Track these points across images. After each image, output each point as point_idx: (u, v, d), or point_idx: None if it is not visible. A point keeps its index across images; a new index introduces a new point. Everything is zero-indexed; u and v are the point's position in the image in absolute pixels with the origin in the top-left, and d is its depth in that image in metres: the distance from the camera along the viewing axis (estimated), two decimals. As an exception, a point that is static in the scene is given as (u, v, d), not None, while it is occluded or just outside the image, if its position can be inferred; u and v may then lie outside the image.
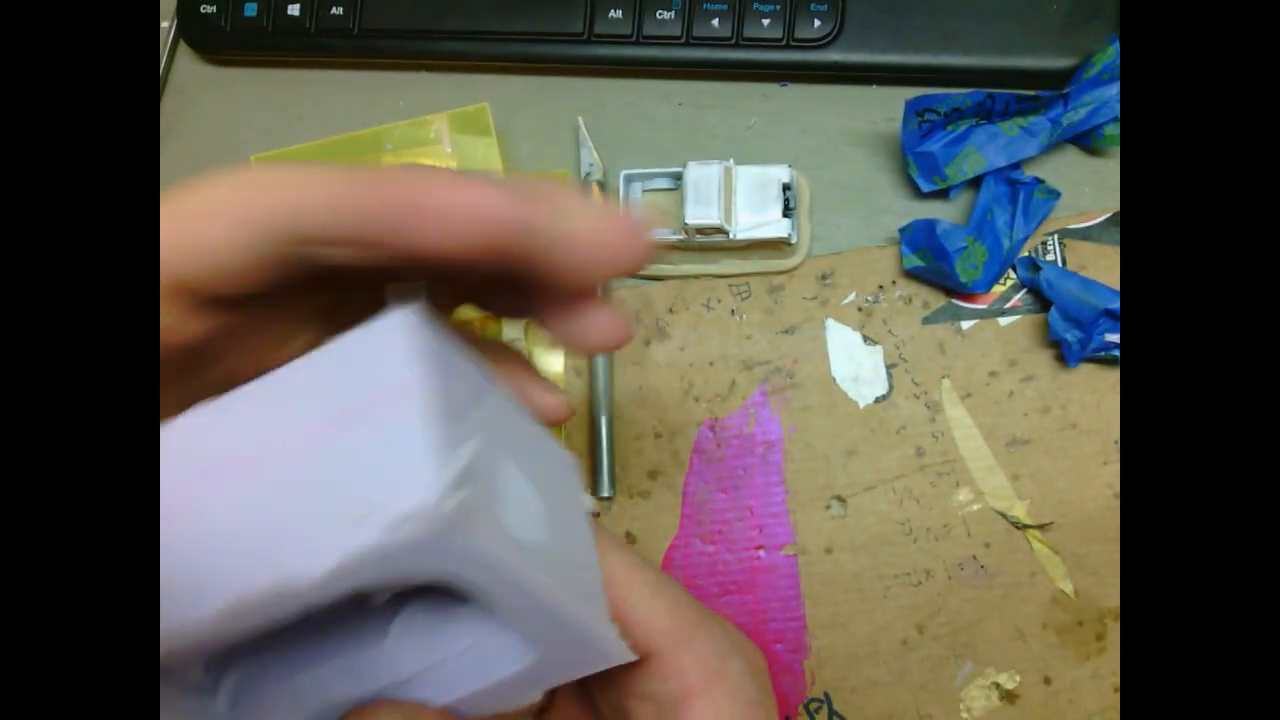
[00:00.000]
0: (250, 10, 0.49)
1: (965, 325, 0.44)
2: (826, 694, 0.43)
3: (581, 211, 0.20)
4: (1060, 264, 0.44)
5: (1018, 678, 0.42)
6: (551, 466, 0.23)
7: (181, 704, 0.20)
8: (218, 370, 0.22)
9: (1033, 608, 0.42)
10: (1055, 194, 0.43)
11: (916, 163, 0.43)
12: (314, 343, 0.20)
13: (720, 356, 0.45)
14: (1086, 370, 0.43)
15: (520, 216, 0.19)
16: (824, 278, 0.45)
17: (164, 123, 0.51)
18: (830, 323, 0.45)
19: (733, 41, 0.46)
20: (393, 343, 0.19)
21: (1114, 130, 0.43)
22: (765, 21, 0.45)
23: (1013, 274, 0.44)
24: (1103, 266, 0.44)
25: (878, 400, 0.44)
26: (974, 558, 0.43)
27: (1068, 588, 0.42)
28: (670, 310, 0.46)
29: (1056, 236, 0.44)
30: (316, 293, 0.22)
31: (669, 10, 0.46)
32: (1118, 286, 0.42)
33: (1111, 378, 0.43)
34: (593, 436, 0.45)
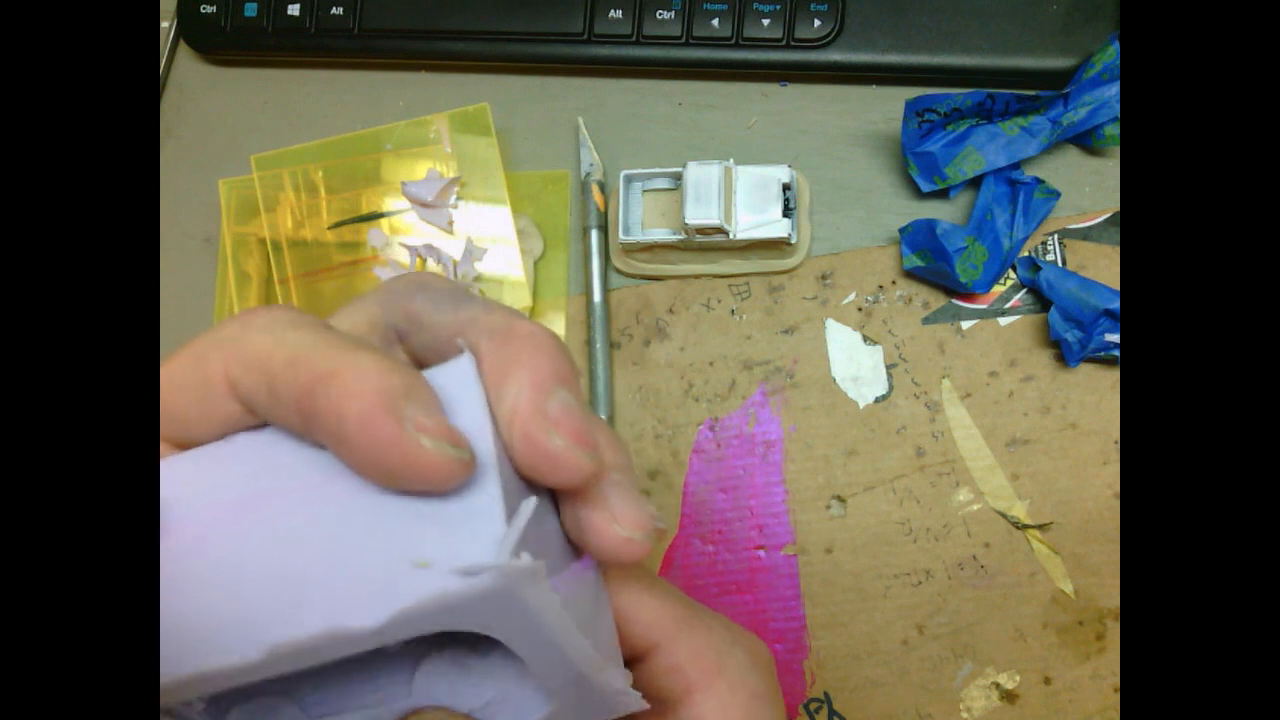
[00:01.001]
0: (250, 10, 0.49)
1: (965, 325, 0.44)
2: (826, 694, 0.43)
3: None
4: (1060, 264, 0.44)
5: (1018, 678, 0.42)
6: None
7: None
8: None
9: (1033, 608, 0.42)
10: (1055, 194, 0.43)
11: (916, 163, 0.43)
12: None
13: (720, 356, 0.45)
14: (1086, 370, 0.43)
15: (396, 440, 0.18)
16: (824, 278, 0.45)
17: (164, 123, 0.51)
18: (830, 323, 0.45)
19: (733, 41, 0.46)
20: (458, 391, 0.19)
21: (1114, 130, 0.43)
22: (765, 21, 0.45)
23: (1013, 274, 0.44)
24: (1103, 266, 0.44)
25: (878, 400, 0.44)
26: (974, 558, 0.43)
27: (1068, 588, 0.42)
28: (670, 310, 0.46)
29: (1056, 236, 0.44)
30: None
31: (669, 10, 0.46)
32: (1118, 286, 0.42)
33: (1111, 378, 0.43)
34: (593, 436, 0.45)
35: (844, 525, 0.44)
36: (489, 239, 0.47)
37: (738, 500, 0.44)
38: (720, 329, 0.45)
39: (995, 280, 0.44)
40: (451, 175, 0.47)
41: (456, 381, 0.20)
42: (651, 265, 0.46)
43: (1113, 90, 0.42)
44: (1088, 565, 0.42)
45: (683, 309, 0.46)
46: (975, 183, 0.44)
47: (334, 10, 0.48)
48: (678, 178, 0.44)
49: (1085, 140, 0.44)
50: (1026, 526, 0.43)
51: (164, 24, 0.51)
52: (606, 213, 0.46)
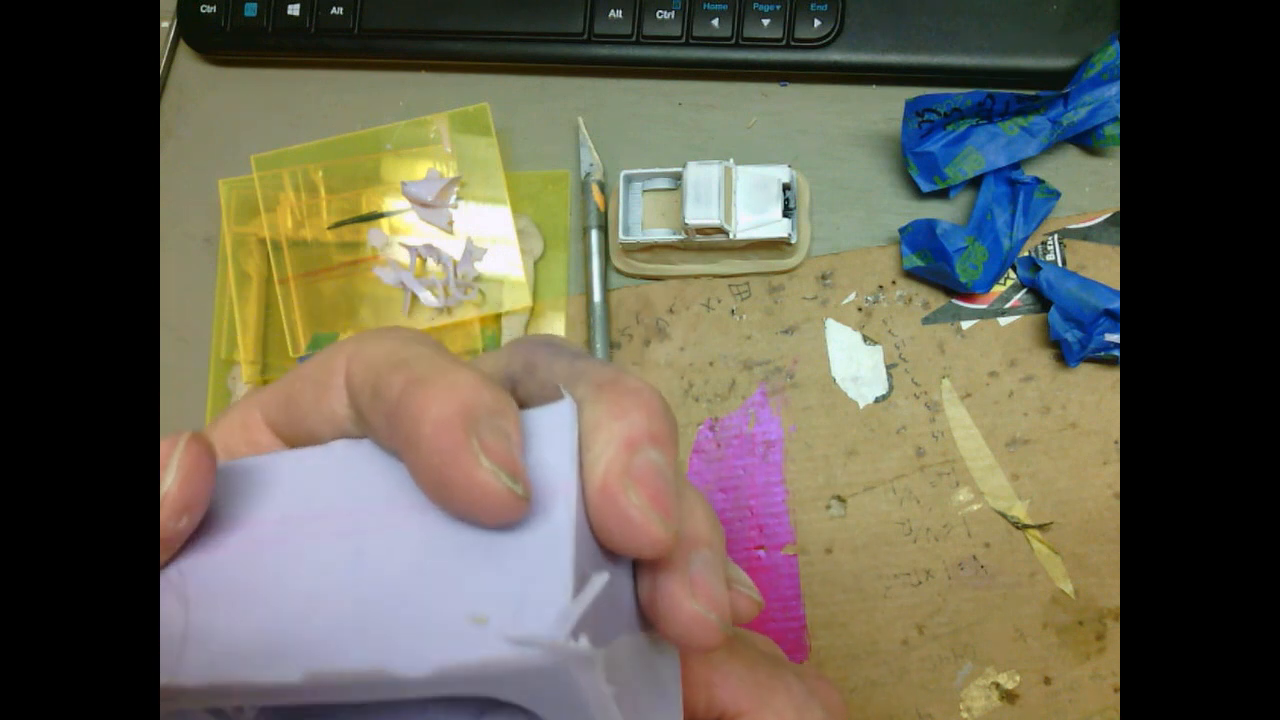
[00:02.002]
0: (250, 10, 0.49)
1: (965, 325, 0.44)
2: (826, 694, 0.43)
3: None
4: (1060, 264, 0.44)
5: (1018, 678, 0.42)
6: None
7: None
8: None
9: (1033, 608, 0.42)
10: (1055, 194, 0.43)
11: (916, 163, 0.43)
12: None
13: (720, 356, 0.45)
14: (1086, 370, 0.43)
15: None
16: (824, 278, 0.45)
17: (164, 123, 0.51)
18: (830, 323, 0.45)
19: (733, 41, 0.46)
20: (551, 436, 0.19)
21: (1114, 130, 0.43)
22: (765, 21, 0.45)
23: (1013, 274, 0.44)
24: (1103, 266, 0.44)
25: (878, 400, 0.44)
26: (974, 558, 0.43)
27: (1068, 588, 0.42)
28: (670, 310, 0.46)
29: (1056, 236, 0.44)
30: None
31: (669, 10, 0.46)
32: (1118, 286, 0.42)
33: (1111, 378, 0.43)
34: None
35: (844, 525, 0.44)
36: (489, 239, 0.47)
37: (738, 500, 0.44)
38: (720, 329, 0.45)
39: (995, 280, 0.44)
40: (451, 175, 0.47)
41: (552, 426, 0.19)
42: (651, 265, 0.46)
43: (1113, 90, 0.42)
44: (1088, 565, 0.42)
45: (683, 309, 0.46)
46: (975, 183, 0.44)
47: (334, 10, 0.48)
48: (678, 178, 0.44)
49: (1085, 140, 0.44)
50: (1026, 526, 0.43)
51: (164, 24, 0.51)
52: (606, 213, 0.46)
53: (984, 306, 0.44)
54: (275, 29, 0.48)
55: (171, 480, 0.18)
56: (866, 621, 0.43)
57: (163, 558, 0.19)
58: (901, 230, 0.44)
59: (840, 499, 0.44)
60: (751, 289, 0.46)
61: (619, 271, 0.46)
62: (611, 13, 0.46)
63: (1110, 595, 0.42)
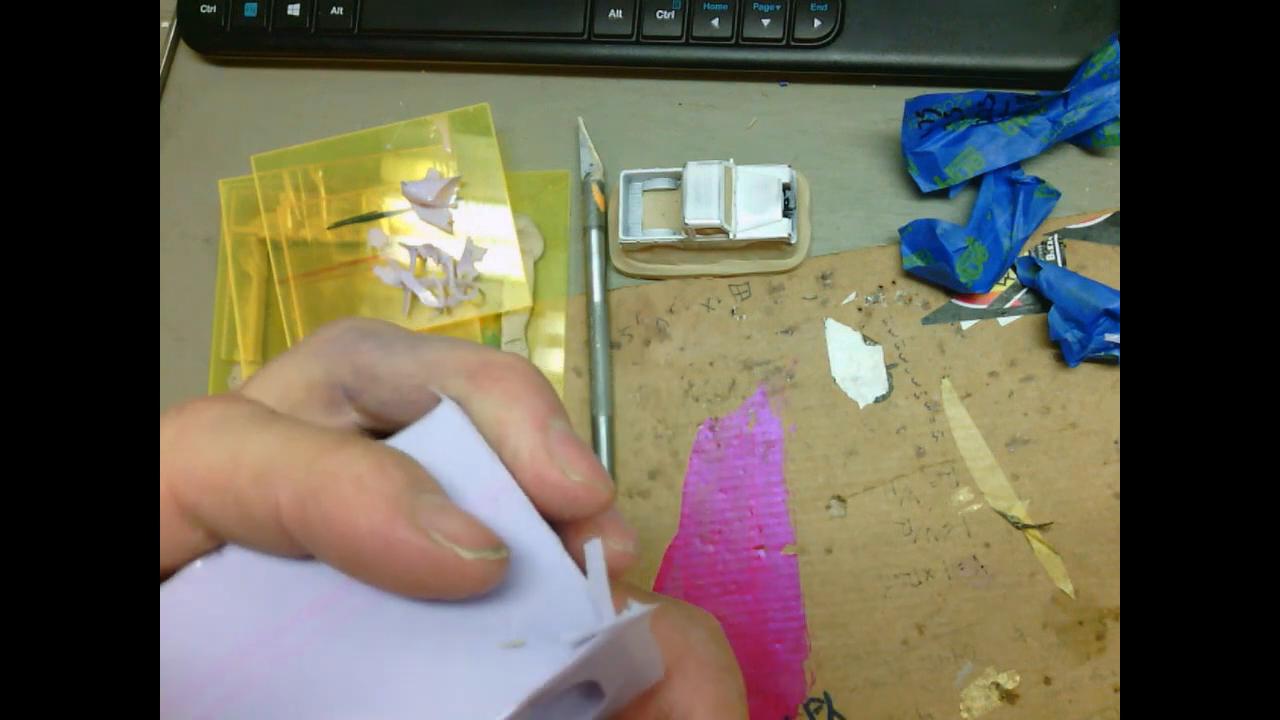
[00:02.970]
0: (250, 10, 0.49)
1: (965, 325, 0.44)
2: (826, 694, 0.43)
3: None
4: (1060, 264, 0.44)
5: (1018, 678, 0.42)
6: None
7: None
8: None
9: (1033, 608, 0.42)
10: (1055, 194, 0.43)
11: (916, 163, 0.43)
12: None
13: (720, 356, 0.45)
14: (1086, 370, 0.43)
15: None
16: (824, 278, 0.45)
17: (164, 123, 0.51)
18: (830, 323, 0.45)
19: (733, 41, 0.46)
20: (452, 447, 0.18)
21: (1114, 130, 0.43)
22: (765, 21, 0.45)
23: (1013, 274, 0.44)
24: (1103, 266, 0.44)
25: (878, 400, 0.44)
26: (974, 558, 0.43)
27: (1068, 588, 0.42)
28: (670, 310, 0.46)
29: (1056, 236, 0.44)
30: None
31: (669, 10, 0.46)
32: (1118, 286, 0.42)
33: (1111, 378, 0.43)
34: (593, 436, 0.45)
35: (844, 525, 0.44)
36: (489, 239, 0.47)
37: (738, 500, 0.44)
38: (720, 329, 0.45)
39: (995, 280, 0.44)
40: (451, 175, 0.47)
41: (445, 438, 0.18)
42: (651, 265, 0.46)
43: (1113, 90, 0.42)
44: (1088, 565, 0.42)
45: (683, 309, 0.46)
46: (975, 183, 0.44)
47: (334, 10, 0.48)
48: (678, 178, 0.44)
49: (1085, 140, 0.44)
50: (1026, 526, 0.43)
51: (164, 24, 0.51)
52: (606, 213, 0.46)
53: (984, 306, 0.44)
54: (275, 29, 0.48)
55: None
56: (866, 621, 0.43)
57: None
58: (901, 230, 0.44)
59: (840, 499, 0.44)
60: (751, 289, 0.46)
61: (619, 271, 0.46)
62: (611, 13, 0.46)
63: (1110, 595, 0.42)
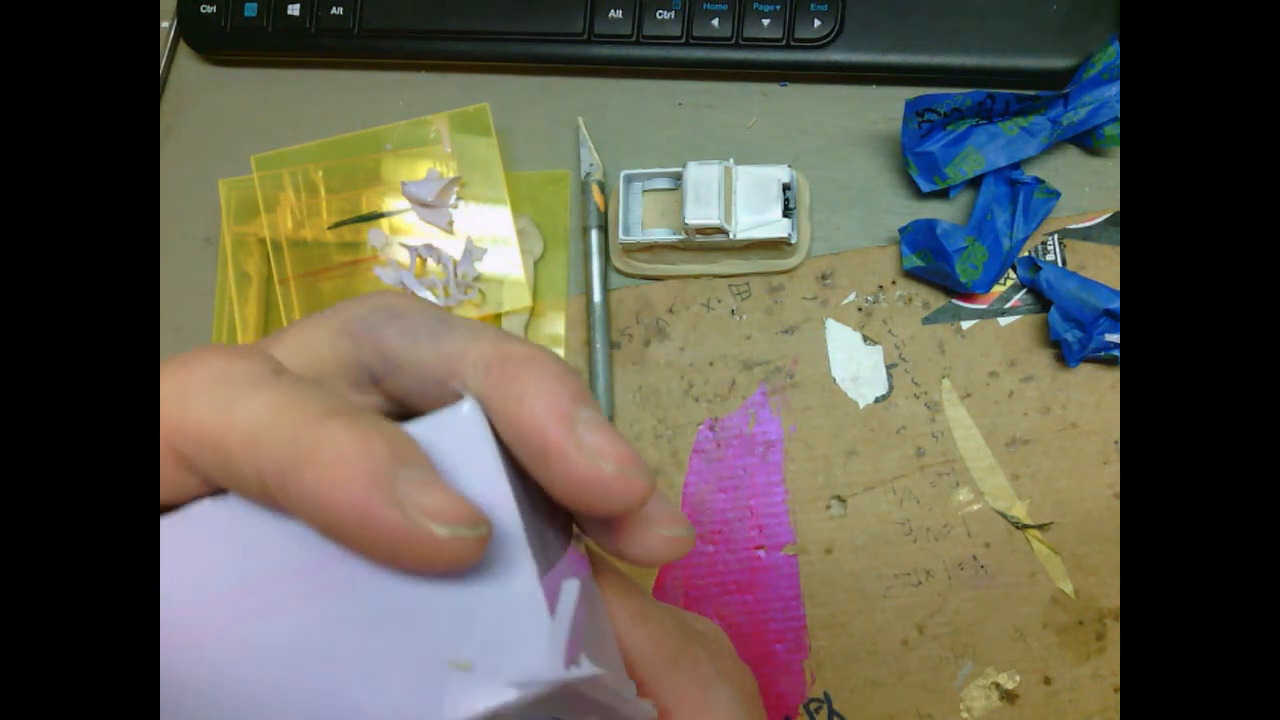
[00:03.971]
0: (250, 10, 0.49)
1: (965, 325, 0.44)
2: (826, 694, 0.43)
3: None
4: (1060, 264, 0.44)
5: (1018, 678, 0.42)
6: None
7: None
8: None
9: (1033, 608, 0.42)
10: (1055, 194, 0.43)
11: (916, 163, 0.43)
12: None
13: (720, 356, 0.45)
14: (1086, 370, 0.43)
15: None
16: (824, 278, 0.45)
17: (164, 123, 0.51)
18: (830, 323, 0.45)
19: (733, 41, 0.46)
20: (464, 446, 0.17)
21: (1114, 130, 0.43)
22: (765, 21, 0.45)
23: (1013, 274, 0.44)
24: (1103, 266, 0.44)
25: (878, 400, 0.44)
26: (974, 558, 0.43)
27: (1068, 588, 0.42)
28: (670, 310, 0.46)
29: (1056, 236, 0.44)
30: None
31: (669, 10, 0.46)
32: (1118, 286, 0.42)
33: (1111, 378, 0.43)
34: (593, 436, 0.45)
35: (844, 525, 0.44)
36: (489, 239, 0.47)
37: (738, 500, 0.44)
38: (720, 329, 0.45)
39: (995, 280, 0.44)
40: (451, 175, 0.47)
41: (460, 434, 0.18)
42: (651, 265, 0.46)
43: (1113, 90, 0.42)
44: (1088, 565, 0.42)
45: (683, 309, 0.46)
46: (975, 183, 0.44)
47: (334, 10, 0.48)
48: (678, 178, 0.44)
49: (1085, 140, 0.44)
50: (1026, 526, 0.43)
51: (164, 24, 0.51)
52: (606, 213, 0.46)
53: (984, 306, 0.44)
54: (275, 29, 0.48)
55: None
56: (866, 621, 0.43)
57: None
58: (901, 230, 0.44)
59: (840, 499, 0.44)
60: (751, 289, 0.46)
61: (619, 271, 0.46)
62: (611, 13, 0.46)
63: (1110, 595, 0.42)
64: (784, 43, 0.45)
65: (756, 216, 0.43)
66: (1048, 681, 0.42)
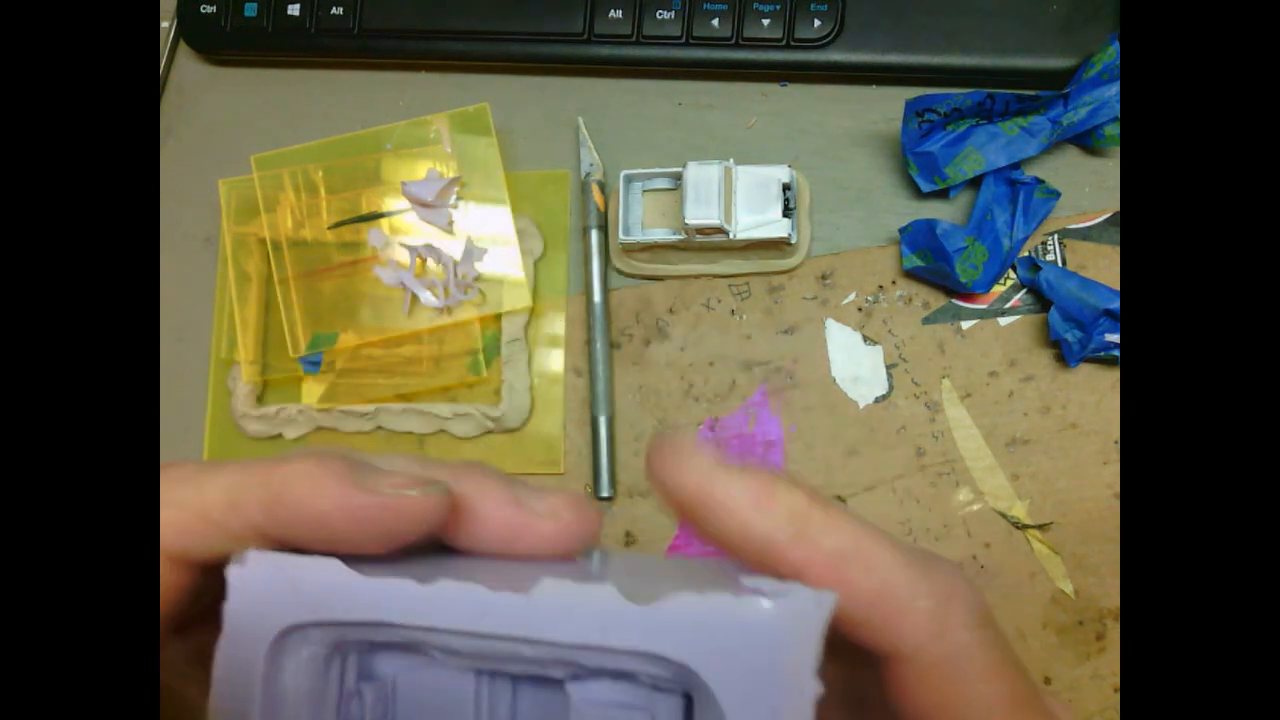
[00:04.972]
0: (250, 10, 0.49)
1: (965, 325, 0.44)
2: (826, 694, 0.43)
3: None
4: (1060, 264, 0.44)
5: (1018, 678, 0.42)
6: None
7: None
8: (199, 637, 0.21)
9: (1033, 608, 0.42)
10: (1055, 194, 0.43)
11: (916, 163, 0.43)
12: None
13: (720, 356, 0.45)
14: (1086, 370, 0.43)
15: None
16: (824, 278, 0.45)
17: (164, 123, 0.51)
18: (830, 323, 0.45)
19: (733, 41, 0.46)
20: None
21: (1114, 130, 0.43)
22: (765, 21, 0.45)
23: (1013, 274, 0.44)
24: (1103, 266, 0.44)
25: (878, 400, 0.44)
26: (974, 558, 0.43)
27: (1068, 588, 0.42)
28: (670, 310, 0.46)
29: (1056, 236, 0.44)
30: None
31: (669, 10, 0.46)
32: (1118, 286, 0.42)
33: (1111, 378, 0.43)
34: (593, 436, 0.45)
35: (844, 525, 0.44)
36: (489, 239, 0.47)
37: (738, 500, 0.44)
38: (720, 329, 0.45)
39: (995, 280, 0.44)
40: (451, 175, 0.47)
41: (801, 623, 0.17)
42: (651, 265, 0.46)
43: (1113, 90, 0.42)
44: (1088, 565, 0.42)
45: (683, 309, 0.46)
46: (975, 183, 0.44)
47: (334, 10, 0.48)
48: (678, 178, 0.44)
49: (1085, 140, 0.44)
50: (1026, 526, 0.43)
51: (164, 24, 0.51)
52: (606, 213, 0.46)
53: (984, 306, 0.44)
54: (275, 29, 0.48)
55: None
56: (866, 621, 0.43)
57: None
58: (901, 230, 0.44)
59: (840, 499, 0.44)
60: (751, 289, 0.46)
61: (619, 271, 0.46)
62: (611, 13, 0.46)
63: (1110, 595, 0.42)
64: (784, 43, 0.45)
65: (756, 216, 0.43)
66: (1048, 681, 0.42)
